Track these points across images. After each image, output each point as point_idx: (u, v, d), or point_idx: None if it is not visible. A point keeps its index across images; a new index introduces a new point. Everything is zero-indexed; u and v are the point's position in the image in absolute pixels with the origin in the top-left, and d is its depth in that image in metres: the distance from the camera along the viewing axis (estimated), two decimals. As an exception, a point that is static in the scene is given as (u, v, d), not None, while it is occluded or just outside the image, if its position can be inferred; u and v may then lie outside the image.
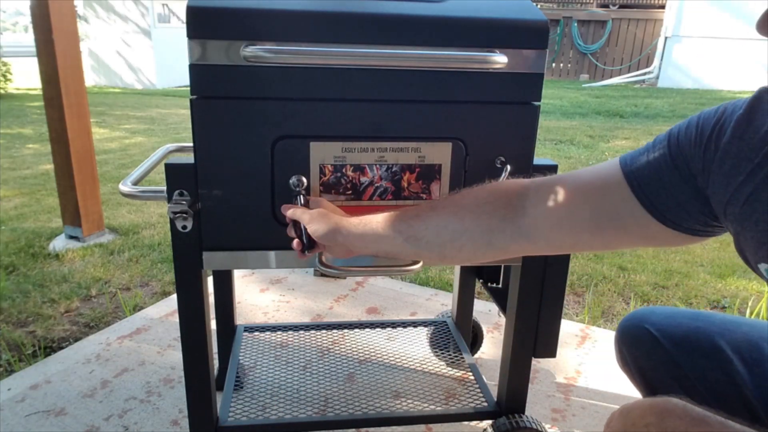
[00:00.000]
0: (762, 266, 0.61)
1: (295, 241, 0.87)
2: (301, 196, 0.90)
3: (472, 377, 1.38)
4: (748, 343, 0.84)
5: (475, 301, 1.60)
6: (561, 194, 0.71)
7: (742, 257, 0.64)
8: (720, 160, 0.61)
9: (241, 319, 1.92)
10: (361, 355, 1.61)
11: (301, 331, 1.61)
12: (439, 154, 0.97)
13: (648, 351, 0.91)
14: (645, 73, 10.51)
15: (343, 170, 0.96)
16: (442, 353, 1.61)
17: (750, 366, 0.82)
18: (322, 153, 0.94)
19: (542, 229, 0.73)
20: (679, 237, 0.68)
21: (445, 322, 1.65)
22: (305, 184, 0.90)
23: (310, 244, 0.86)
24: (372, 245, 0.82)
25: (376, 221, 0.81)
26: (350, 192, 0.97)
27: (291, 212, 0.87)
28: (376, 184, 0.97)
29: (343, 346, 1.65)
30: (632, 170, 0.68)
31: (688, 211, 0.65)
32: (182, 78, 9.99)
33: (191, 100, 0.89)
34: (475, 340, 1.69)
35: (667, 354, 0.89)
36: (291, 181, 0.90)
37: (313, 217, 0.84)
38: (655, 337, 0.90)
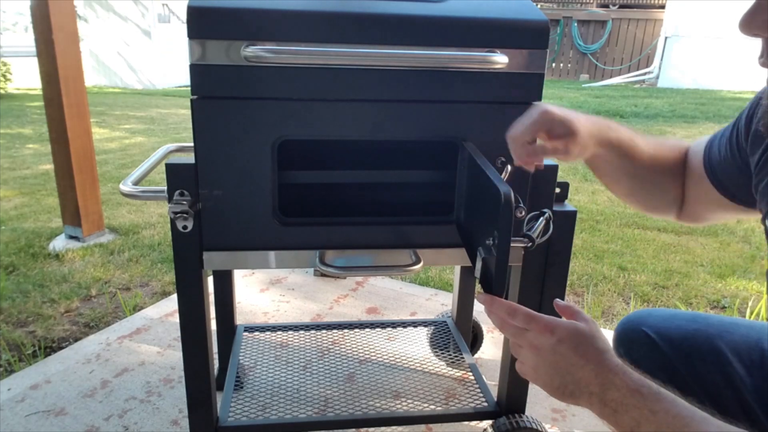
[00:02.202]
0: None
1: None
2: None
3: (472, 377, 1.38)
4: (747, 345, 0.84)
5: (475, 301, 1.60)
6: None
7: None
8: (752, 139, 0.69)
9: (241, 319, 1.92)
10: (361, 355, 1.61)
11: (301, 331, 1.61)
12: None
13: (645, 354, 0.90)
14: (645, 73, 10.51)
15: None
16: (442, 353, 1.61)
17: (749, 368, 0.82)
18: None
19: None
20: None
21: (445, 322, 1.65)
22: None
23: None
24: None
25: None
26: None
27: None
28: None
29: (343, 346, 1.65)
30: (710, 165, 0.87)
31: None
32: (182, 78, 9.99)
33: (192, 100, 0.89)
34: (475, 340, 1.69)
35: (665, 357, 0.88)
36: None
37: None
38: (653, 340, 0.89)
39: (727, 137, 0.84)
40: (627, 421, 0.61)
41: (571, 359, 0.66)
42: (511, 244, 0.72)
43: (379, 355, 1.62)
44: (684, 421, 0.57)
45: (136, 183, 0.99)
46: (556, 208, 1.01)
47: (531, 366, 0.70)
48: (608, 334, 1.95)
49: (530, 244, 0.90)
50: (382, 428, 1.40)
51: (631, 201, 0.98)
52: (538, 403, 1.51)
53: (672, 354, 0.88)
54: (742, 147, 0.80)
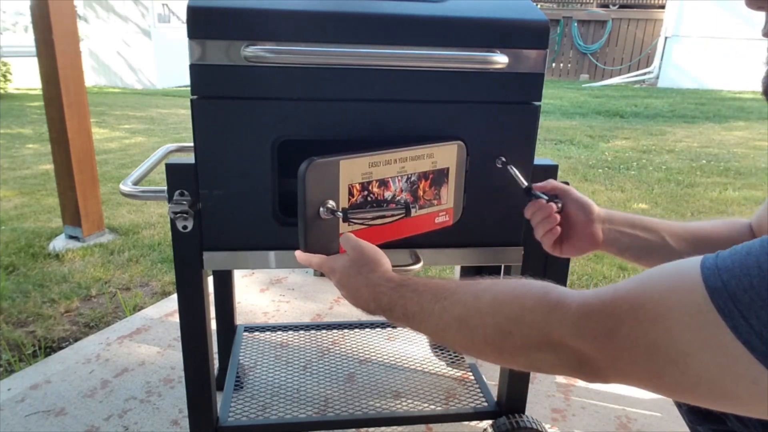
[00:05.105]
0: None
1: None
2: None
3: (472, 377, 1.38)
4: None
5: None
6: None
7: None
8: None
9: (241, 319, 1.92)
10: (361, 355, 1.61)
11: (301, 331, 1.61)
12: (448, 157, 0.95)
13: None
14: (645, 73, 10.51)
15: (369, 187, 0.87)
16: (442, 353, 1.61)
17: None
18: (351, 172, 0.84)
19: None
20: None
21: (445, 322, 1.64)
22: (335, 208, 0.83)
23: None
24: None
25: None
26: (376, 210, 0.89)
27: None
28: (397, 198, 0.91)
29: (343, 346, 1.65)
30: None
31: None
32: (182, 78, 9.98)
33: (192, 100, 0.89)
34: (475, 340, 1.69)
35: None
36: (321, 210, 0.82)
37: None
38: None
39: None
40: (400, 312, 0.71)
41: (351, 288, 0.78)
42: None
43: (379, 355, 1.62)
44: (444, 287, 0.67)
45: (136, 183, 0.99)
46: (556, 208, 1.01)
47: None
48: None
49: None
50: (382, 428, 1.40)
51: None
52: (538, 402, 1.51)
53: None
54: None
